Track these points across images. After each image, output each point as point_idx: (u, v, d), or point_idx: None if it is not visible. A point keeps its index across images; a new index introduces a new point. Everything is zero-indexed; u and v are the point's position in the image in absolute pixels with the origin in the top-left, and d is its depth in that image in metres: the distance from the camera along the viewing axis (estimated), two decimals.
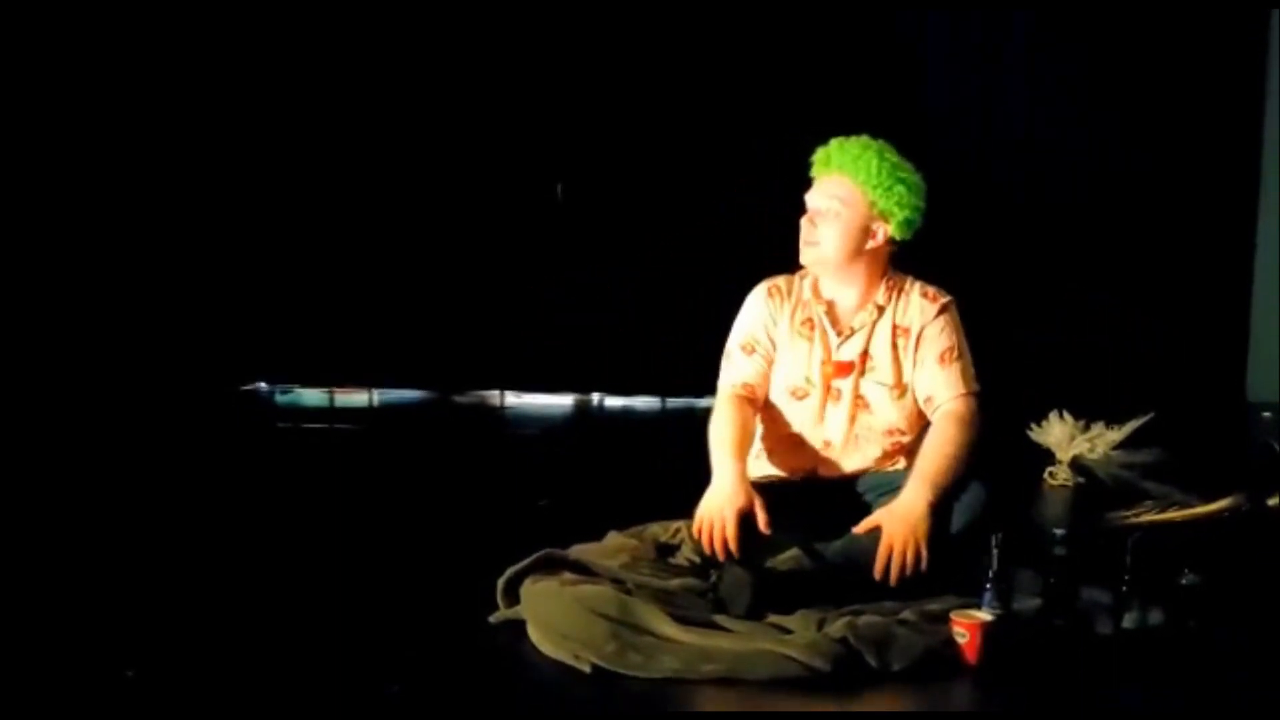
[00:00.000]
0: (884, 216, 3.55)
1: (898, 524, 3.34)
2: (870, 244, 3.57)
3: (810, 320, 3.63)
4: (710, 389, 3.71)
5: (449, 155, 6.67)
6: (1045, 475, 4.34)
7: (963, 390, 3.56)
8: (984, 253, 6.30)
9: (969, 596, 3.20)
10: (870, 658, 3.01)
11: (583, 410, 6.83)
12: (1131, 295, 6.53)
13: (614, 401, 6.89)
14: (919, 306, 3.61)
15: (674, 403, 6.74)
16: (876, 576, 3.31)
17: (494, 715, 2.89)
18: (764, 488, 3.49)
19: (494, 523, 4.26)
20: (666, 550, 3.65)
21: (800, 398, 3.62)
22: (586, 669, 2.99)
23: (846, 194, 3.55)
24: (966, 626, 3.05)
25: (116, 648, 3.13)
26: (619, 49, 6.55)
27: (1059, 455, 4.35)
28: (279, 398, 6.89)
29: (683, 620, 3.12)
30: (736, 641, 3.06)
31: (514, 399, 6.87)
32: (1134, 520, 3.78)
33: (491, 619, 3.29)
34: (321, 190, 6.69)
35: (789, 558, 3.37)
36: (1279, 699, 2.97)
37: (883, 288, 3.62)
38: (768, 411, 3.66)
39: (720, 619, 3.17)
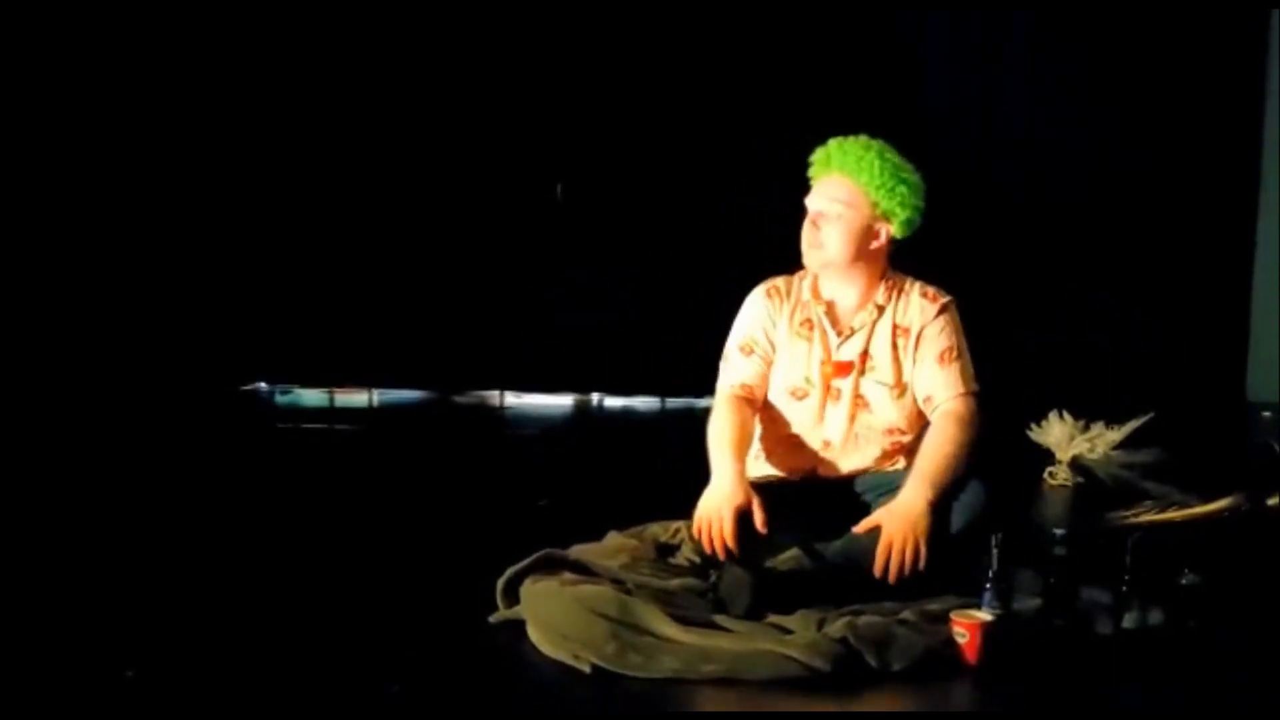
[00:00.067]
0: (886, 217, 3.55)
1: (897, 523, 3.34)
2: (873, 244, 3.57)
3: (809, 320, 3.63)
4: (710, 389, 3.71)
5: (449, 156, 6.67)
6: (1045, 475, 4.33)
7: (962, 390, 3.56)
8: (984, 253, 6.30)
9: (969, 596, 3.20)
10: (870, 658, 3.01)
11: (583, 410, 6.83)
12: (1131, 295, 6.53)
13: (614, 401, 6.89)
14: (919, 306, 3.61)
15: (674, 403, 6.74)
16: (876, 575, 3.31)
17: (494, 715, 2.89)
18: (763, 488, 3.49)
19: (494, 523, 4.26)
20: (666, 550, 3.65)
21: (800, 398, 3.62)
22: (586, 669, 2.99)
23: (849, 195, 3.55)
24: (966, 626, 3.05)
25: (116, 648, 3.13)
26: (619, 49, 6.55)
27: (1059, 455, 4.34)
28: (279, 398, 6.89)
29: (683, 620, 3.12)
30: (736, 641, 3.06)
31: (514, 399, 6.86)
32: (1134, 520, 3.78)
33: (491, 619, 3.29)
34: (321, 191, 6.69)
35: (789, 558, 3.37)
36: (1279, 699, 2.97)
37: (882, 288, 3.62)
38: (767, 412, 3.66)
39: (720, 619, 3.17)
